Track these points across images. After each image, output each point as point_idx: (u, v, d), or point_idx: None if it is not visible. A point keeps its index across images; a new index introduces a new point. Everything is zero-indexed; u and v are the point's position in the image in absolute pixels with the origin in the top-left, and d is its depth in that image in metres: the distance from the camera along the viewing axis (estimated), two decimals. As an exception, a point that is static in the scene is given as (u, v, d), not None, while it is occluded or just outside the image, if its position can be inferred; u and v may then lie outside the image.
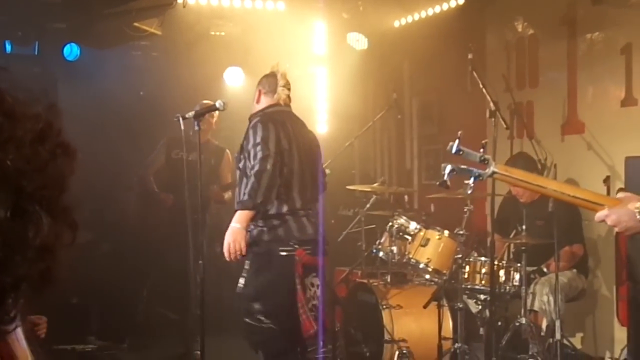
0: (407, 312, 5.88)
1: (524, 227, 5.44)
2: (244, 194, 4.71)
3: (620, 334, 5.82)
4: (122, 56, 7.43)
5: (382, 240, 6.06)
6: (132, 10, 6.74)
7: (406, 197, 7.03)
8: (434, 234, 5.78)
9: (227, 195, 6.69)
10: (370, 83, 8.62)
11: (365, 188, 6.68)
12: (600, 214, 2.83)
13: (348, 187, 6.84)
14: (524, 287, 5.42)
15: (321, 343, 5.11)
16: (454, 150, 2.82)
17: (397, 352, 5.73)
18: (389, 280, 6.11)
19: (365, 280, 6.23)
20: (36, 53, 6.92)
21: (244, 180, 4.77)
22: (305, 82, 6.67)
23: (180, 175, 5.26)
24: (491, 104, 5.52)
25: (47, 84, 6.59)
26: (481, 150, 2.84)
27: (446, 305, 5.76)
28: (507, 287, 5.56)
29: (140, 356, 6.78)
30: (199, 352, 4.98)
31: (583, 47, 6.49)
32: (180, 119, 5.06)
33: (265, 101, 5.04)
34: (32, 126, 0.85)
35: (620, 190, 5.46)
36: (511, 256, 6.12)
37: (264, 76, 5.14)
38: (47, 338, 3.61)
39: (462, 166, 2.86)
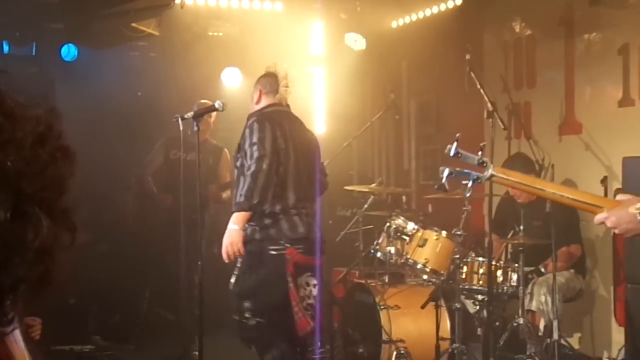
0: (404, 312, 5.88)
1: (521, 227, 5.44)
2: (241, 195, 4.74)
3: (618, 334, 5.84)
4: (119, 57, 7.43)
5: (379, 241, 6.06)
6: (129, 10, 6.74)
7: (404, 197, 7.04)
8: (431, 235, 5.78)
9: (226, 194, 6.69)
10: (368, 83, 8.62)
11: (363, 188, 6.69)
12: (599, 217, 2.83)
13: (346, 187, 6.84)
14: (521, 288, 5.42)
15: (319, 343, 5.11)
16: (452, 153, 2.82)
17: (394, 353, 5.73)
18: (386, 280, 6.11)
19: (363, 281, 6.23)
20: (34, 53, 6.91)
21: (242, 179, 4.80)
22: (303, 82, 6.67)
23: (179, 175, 5.27)
24: (489, 105, 5.53)
25: (44, 85, 6.58)
26: (479, 152, 2.83)
27: (444, 305, 5.76)
28: (505, 288, 5.56)
29: (139, 356, 6.78)
30: (197, 353, 4.98)
31: (580, 47, 6.50)
32: (180, 119, 5.07)
33: (265, 101, 5.06)
34: (33, 128, 0.85)
35: (618, 191, 5.48)
36: (509, 256, 6.12)
37: (263, 76, 5.15)
38: (45, 338, 3.61)
39: (460, 169, 2.86)
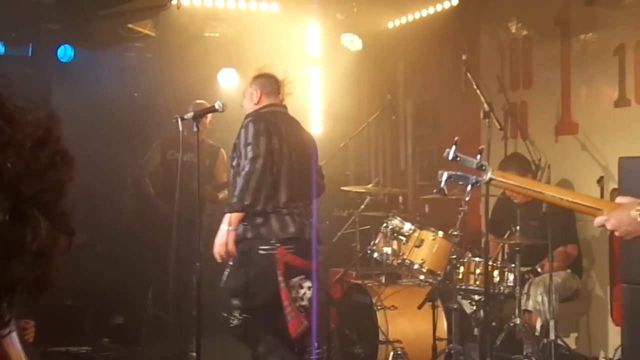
0: (401, 312, 5.88)
1: (518, 227, 5.45)
2: (234, 196, 4.78)
3: (614, 334, 5.84)
4: (116, 57, 7.42)
5: (376, 241, 6.06)
6: (126, 11, 6.73)
7: (400, 198, 7.04)
8: (428, 235, 5.79)
9: (222, 194, 6.68)
10: (365, 84, 8.62)
11: (360, 189, 6.69)
12: (599, 219, 2.83)
13: (342, 188, 6.85)
14: (518, 288, 5.43)
15: (316, 344, 5.11)
16: (450, 157, 2.81)
17: (391, 353, 5.73)
18: (383, 281, 6.12)
19: (359, 281, 6.23)
20: (30, 54, 6.91)
21: (238, 179, 4.82)
22: (300, 83, 6.66)
23: (176, 176, 5.27)
24: (485, 105, 5.53)
25: (41, 86, 6.58)
26: (478, 156, 2.83)
27: (441, 305, 5.76)
28: (502, 288, 5.57)
29: (137, 357, 6.77)
30: (194, 354, 4.98)
31: (576, 47, 6.51)
32: (179, 119, 5.06)
33: (266, 101, 5.07)
34: (32, 132, 0.85)
35: (615, 191, 5.49)
36: (505, 257, 6.13)
37: (262, 76, 5.15)
38: (42, 340, 3.60)
39: (459, 173, 2.86)
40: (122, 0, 6.61)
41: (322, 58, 8.00)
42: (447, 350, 5.61)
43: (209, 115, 6.38)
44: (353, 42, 7.80)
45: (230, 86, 7.62)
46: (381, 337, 5.77)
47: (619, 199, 2.93)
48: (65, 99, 6.12)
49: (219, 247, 4.78)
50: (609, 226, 2.82)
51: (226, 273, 4.93)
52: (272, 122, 4.90)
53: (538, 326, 5.59)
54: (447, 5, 7.34)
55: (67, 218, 0.89)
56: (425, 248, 5.75)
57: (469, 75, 5.69)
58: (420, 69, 8.07)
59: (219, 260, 4.86)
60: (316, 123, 8.06)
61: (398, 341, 5.77)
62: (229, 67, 7.66)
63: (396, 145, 8.72)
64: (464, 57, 5.76)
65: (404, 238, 5.90)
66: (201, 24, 7.36)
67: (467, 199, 3.03)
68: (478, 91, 5.62)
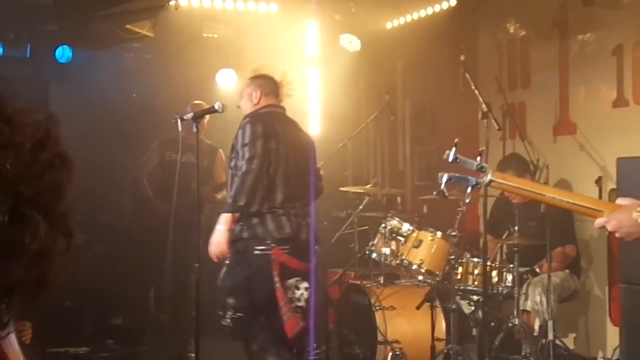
0: (400, 313, 5.89)
1: (516, 228, 5.45)
2: (230, 197, 4.81)
3: (613, 334, 5.84)
4: (114, 58, 7.42)
5: (375, 242, 6.06)
6: (124, 12, 6.73)
7: (399, 198, 7.03)
8: (426, 235, 5.79)
9: (221, 195, 6.68)
10: (363, 84, 8.62)
11: (358, 189, 6.69)
12: (600, 221, 2.83)
13: (341, 188, 6.84)
14: (516, 288, 5.43)
15: (314, 344, 5.11)
16: (450, 159, 2.81)
17: (390, 353, 5.74)
18: (382, 281, 6.12)
19: (358, 282, 6.23)
20: (28, 55, 6.91)
21: (235, 180, 4.83)
22: (298, 83, 6.66)
23: (174, 177, 5.27)
24: (483, 105, 5.54)
25: (39, 86, 6.58)
26: (478, 157, 2.83)
27: (439, 306, 5.77)
28: (500, 288, 5.57)
29: (138, 358, 6.77)
30: (193, 355, 4.98)
31: (575, 48, 6.51)
32: (179, 120, 5.06)
33: (265, 102, 5.07)
34: (32, 133, 0.85)
35: (613, 191, 5.49)
36: (504, 257, 6.13)
37: (260, 77, 5.15)
38: (40, 341, 3.60)
39: (459, 175, 2.86)
40: (120, 1, 6.61)
41: (320, 58, 8.00)
42: (445, 351, 5.61)
43: (207, 116, 6.39)
44: (351, 43, 7.80)
45: (229, 87, 7.62)
46: (380, 338, 5.77)
47: (620, 201, 2.93)
48: (63, 100, 6.12)
49: (214, 247, 4.82)
50: (609, 227, 2.82)
51: (221, 274, 4.95)
52: (270, 123, 4.91)
53: (536, 326, 5.59)
54: (445, 5, 7.35)
55: (66, 219, 0.89)
56: (424, 248, 5.75)
57: (467, 75, 5.70)
58: (418, 69, 8.07)
59: (215, 260, 4.88)
60: (314, 123, 8.06)
61: (396, 341, 5.77)
62: (227, 68, 7.65)
63: (394, 145, 8.72)
64: (462, 57, 5.77)
65: (402, 238, 5.90)
66: (199, 25, 7.36)
67: (467, 201, 3.03)
68: (476, 91, 5.62)
